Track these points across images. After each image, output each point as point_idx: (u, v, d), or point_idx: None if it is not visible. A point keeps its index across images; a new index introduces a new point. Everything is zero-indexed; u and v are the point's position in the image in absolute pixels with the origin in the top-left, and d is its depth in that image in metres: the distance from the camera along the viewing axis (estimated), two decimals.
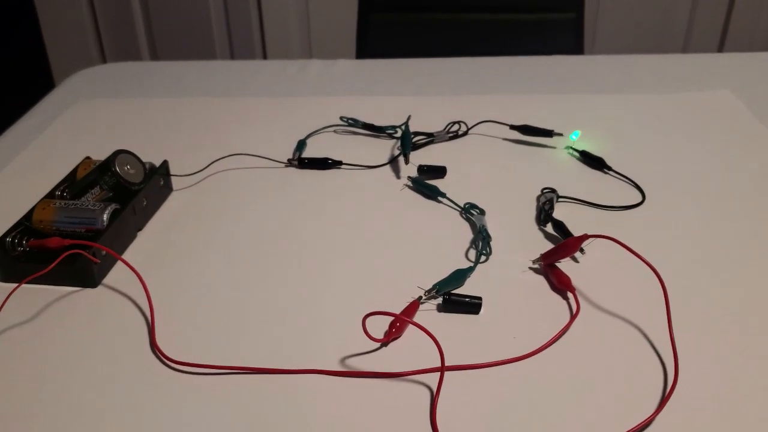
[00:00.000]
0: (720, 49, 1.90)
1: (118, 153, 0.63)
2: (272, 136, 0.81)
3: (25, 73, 2.02)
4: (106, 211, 0.59)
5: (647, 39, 1.90)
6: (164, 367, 0.48)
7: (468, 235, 0.61)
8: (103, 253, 0.56)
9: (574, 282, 0.54)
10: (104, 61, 2.09)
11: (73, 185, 0.64)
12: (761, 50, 1.88)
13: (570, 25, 1.32)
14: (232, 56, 2.03)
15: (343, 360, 0.48)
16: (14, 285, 0.53)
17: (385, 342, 0.49)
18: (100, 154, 0.70)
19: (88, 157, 0.69)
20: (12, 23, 1.98)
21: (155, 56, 2.07)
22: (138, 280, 0.55)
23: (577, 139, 0.75)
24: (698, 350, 0.47)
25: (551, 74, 0.96)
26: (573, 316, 0.50)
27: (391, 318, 0.50)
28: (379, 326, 0.50)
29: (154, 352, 0.49)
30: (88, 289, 0.56)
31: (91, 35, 2.04)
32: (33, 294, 0.55)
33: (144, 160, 0.68)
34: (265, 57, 2.01)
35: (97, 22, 2.02)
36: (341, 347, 0.49)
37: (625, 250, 0.50)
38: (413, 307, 0.51)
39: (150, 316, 0.52)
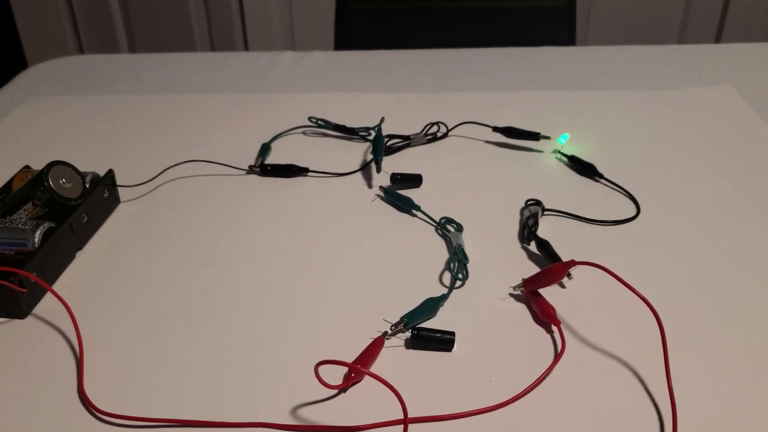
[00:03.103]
0: (717, 38, 1.84)
1: (52, 165, 0.56)
2: (234, 138, 0.74)
3: None
4: (38, 231, 0.53)
5: (642, 28, 1.83)
6: (91, 417, 0.42)
7: (444, 254, 0.55)
8: (32, 280, 0.50)
9: (560, 312, 0.48)
10: (81, 51, 2.01)
11: (6, 200, 0.57)
12: (760, 39, 1.82)
13: (561, 14, 1.25)
14: (213, 47, 1.95)
15: (294, 410, 0.42)
16: None
17: (343, 388, 0.43)
18: (45, 161, 0.63)
19: (26, 167, 0.63)
20: None
21: (133, 47, 1.99)
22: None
23: (565, 142, 0.69)
24: (699, 397, 0.42)
25: (540, 67, 0.90)
26: (557, 356, 0.44)
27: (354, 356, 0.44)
28: (338, 369, 0.44)
29: (80, 400, 0.43)
30: (15, 320, 0.50)
31: (68, 24, 1.97)
32: None
33: (92, 166, 0.62)
34: (246, 47, 1.94)
35: (73, 11, 1.95)
36: (293, 395, 0.43)
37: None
38: (377, 345, 0.45)
39: (79, 356, 0.46)
